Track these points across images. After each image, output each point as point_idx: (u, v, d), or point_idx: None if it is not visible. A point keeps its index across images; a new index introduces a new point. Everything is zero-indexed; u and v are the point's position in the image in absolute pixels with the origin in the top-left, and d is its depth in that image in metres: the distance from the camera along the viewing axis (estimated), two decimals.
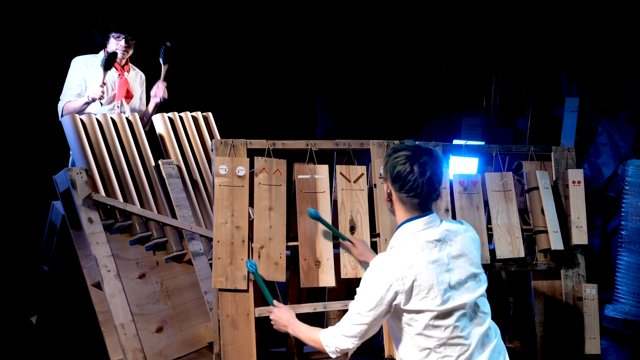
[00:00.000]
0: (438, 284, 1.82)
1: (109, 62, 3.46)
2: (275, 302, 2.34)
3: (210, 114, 3.82)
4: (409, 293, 1.82)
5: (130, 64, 3.83)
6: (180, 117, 3.62)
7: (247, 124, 5.59)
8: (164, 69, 3.75)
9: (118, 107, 3.73)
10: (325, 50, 6.73)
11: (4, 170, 4.60)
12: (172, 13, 5.50)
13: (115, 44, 3.63)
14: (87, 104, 3.48)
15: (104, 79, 3.48)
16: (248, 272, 2.53)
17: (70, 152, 3.74)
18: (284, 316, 2.26)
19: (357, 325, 1.90)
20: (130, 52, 3.73)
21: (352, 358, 3.20)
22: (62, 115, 3.57)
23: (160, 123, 3.52)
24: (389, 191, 1.93)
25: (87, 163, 3.07)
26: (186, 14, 5.66)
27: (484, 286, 1.95)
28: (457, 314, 1.84)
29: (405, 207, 1.91)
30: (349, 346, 1.94)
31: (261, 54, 6.34)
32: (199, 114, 3.74)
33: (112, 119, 3.30)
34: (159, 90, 3.73)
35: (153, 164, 3.33)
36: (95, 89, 3.45)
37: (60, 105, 3.60)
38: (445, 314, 1.83)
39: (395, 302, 1.84)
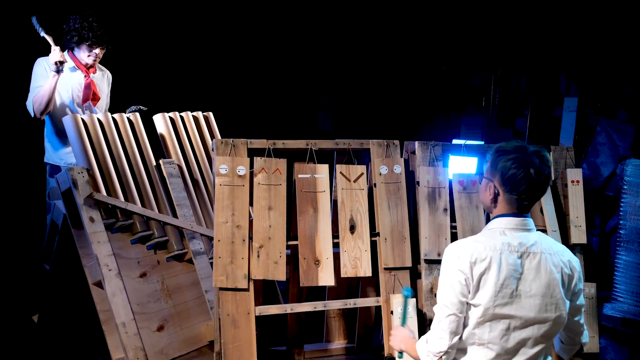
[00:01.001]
0: (502, 286, 1.79)
1: (44, 24, 3.43)
2: (406, 325, 2.44)
3: (211, 113, 3.82)
4: (477, 283, 1.81)
5: (97, 65, 3.79)
6: (181, 117, 3.63)
7: (248, 123, 5.61)
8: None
9: (86, 108, 3.70)
10: (326, 50, 6.75)
11: (6, 169, 4.62)
12: (174, 14, 5.52)
13: (88, 52, 3.58)
14: (54, 75, 3.44)
15: (53, 42, 3.43)
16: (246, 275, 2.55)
17: (45, 159, 3.74)
18: (401, 335, 2.26)
19: (444, 321, 1.86)
20: (100, 58, 3.69)
21: (351, 357, 3.22)
22: (33, 109, 3.55)
23: (161, 123, 3.53)
24: (496, 192, 1.90)
25: (89, 162, 3.08)
26: (187, 15, 5.68)
27: (555, 316, 1.85)
28: (507, 324, 1.81)
29: (509, 206, 1.89)
30: (442, 348, 1.87)
31: (262, 54, 6.35)
32: (199, 114, 3.75)
33: (113, 118, 3.31)
34: (137, 118, 3.69)
35: (154, 163, 3.34)
36: (52, 55, 3.40)
37: (28, 102, 3.57)
38: (496, 317, 1.81)
39: (467, 285, 1.83)
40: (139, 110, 3.59)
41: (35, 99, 3.52)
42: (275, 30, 6.33)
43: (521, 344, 1.83)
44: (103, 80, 3.86)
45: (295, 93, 6.61)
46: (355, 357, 3.20)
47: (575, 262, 1.94)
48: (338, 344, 3.26)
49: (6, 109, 4.61)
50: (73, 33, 3.51)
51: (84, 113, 3.68)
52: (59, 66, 3.41)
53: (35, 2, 4.43)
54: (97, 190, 3.03)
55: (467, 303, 1.84)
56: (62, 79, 3.58)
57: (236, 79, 6.18)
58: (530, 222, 1.91)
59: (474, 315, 1.83)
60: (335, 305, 2.76)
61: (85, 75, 3.67)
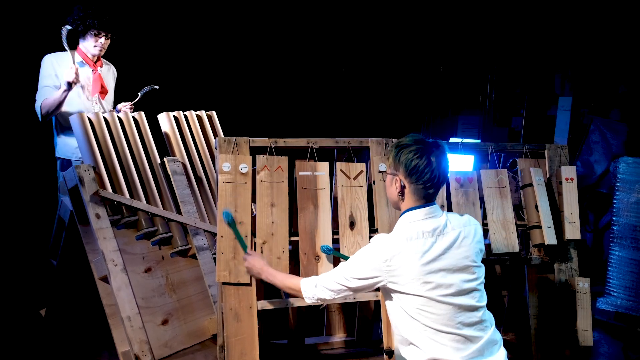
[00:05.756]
0: (426, 272, 1.86)
1: (71, 39, 3.45)
2: (249, 250, 2.47)
3: (214, 112, 3.87)
4: (395, 276, 1.88)
5: (102, 59, 3.81)
6: (185, 116, 3.68)
7: (250, 122, 5.64)
8: (139, 98, 3.75)
9: (95, 103, 3.73)
10: (326, 50, 6.78)
11: (13, 168, 4.65)
12: (177, 15, 5.55)
13: (94, 41, 3.59)
14: (65, 91, 3.45)
15: (73, 59, 3.46)
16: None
17: (56, 154, 3.78)
18: (257, 263, 2.36)
19: (340, 285, 2.03)
20: (105, 49, 3.70)
21: (351, 351, 3.27)
22: (41, 114, 3.56)
23: (165, 122, 3.58)
24: (402, 185, 1.95)
25: (95, 160, 3.12)
26: (191, 15, 5.71)
27: (479, 279, 1.97)
28: (446, 303, 1.87)
29: (415, 198, 1.95)
30: (327, 297, 2.09)
31: (263, 55, 6.39)
32: (203, 113, 3.79)
33: (119, 117, 3.36)
34: (123, 109, 3.72)
35: (159, 161, 3.38)
36: (67, 73, 3.41)
37: (37, 105, 3.57)
38: (433, 301, 1.87)
39: (380, 282, 1.93)
40: (151, 90, 3.63)
41: (43, 106, 3.53)
42: (276, 30, 6.36)
43: (466, 316, 1.91)
44: (109, 74, 3.88)
45: (296, 93, 6.64)
46: (354, 350, 3.24)
47: (478, 226, 2.05)
48: (338, 337, 3.31)
49: (16, 104, 4.64)
50: (78, 22, 3.52)
51: (93, 106, 3.73)
52: (72, 86, 3.45)
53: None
54: (103, 187, 3.07)
55: (396, 291, 1.92)
56: (69, 71, 3.58)
57: (238, 79, 6.21)
58: (437, 207, 1.99)
59: (413, 303, 1.89)
60: (335, 300, 2.78)
61: (93, 70, 3.71)
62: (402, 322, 1.95)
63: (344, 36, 6.77)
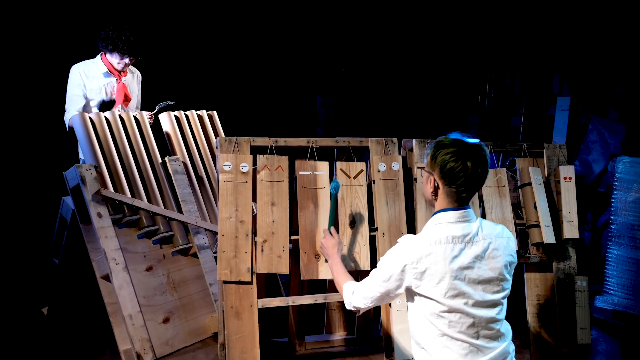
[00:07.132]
0: (451, 278, 1.82)
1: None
2: (332, 228, 2.42)
3: (215, 112, 3.89)
4: (420, 278, 1.85)
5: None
6: (186, 116, 3.70)
7: (251, 122, 5.67)
8: (156, 111, 3.75)
9: (118, 111, 3.74)
10: (326, 50, 6.80)
11: (16, 167, 4.67)
12: (178, 16, 5.57)
13: (119, 58, 3.62)
14: None
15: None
16: (253, 265, 2.62)
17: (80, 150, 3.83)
18: (331, 246, 2.32)
19: (372, 290, 1.96)
20: (129, 65, 3.74)
21: (351, 347, 3.29)
22: (69, 126, 3.58)
23: (166, 121, 3.60)
24: (435, 184, 1.91)
25: (96, 160, 3.14)
26: (191, 17, 5.73)
27: (504, 292, 1.93)
28: (466, 312, 1.85)
29: (448, 200, 1.91)
30: (361, 305, 2.01)
31: (264, 55, 6.41)
32: (204, 113, 3.81)
33: (120, 117, 3.38)
34: (143, 116, 3.74)
35: (160, 160, 3.40)
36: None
37: (66, 117, 3.60)
38: (451, 309, 1.84)
39: (405, 283, 1.88)
40: (167, 106, 3.65)
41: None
42: (277, 31, 6.38)
43: (482, 327, 1.89)
44: (133, 81, 3.90)
45: (297, 92, 6.66)
46: (354, 348, 3.25)
47: (512, 240, 1.99)
48: (338, 335, 3.33)
49: (16, 106, 4.67)
50: (109, 41, 3.54)
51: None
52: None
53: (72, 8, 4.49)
54: (105, 186, 3.10)
55: (418, 294, 1.89)
56: (96, 82, 3.65)
57: (239, 79, 6.23)
58: (470, 212, 1.94)
59: (431, 307, 1.87)
60: (336, 297, 2.81)
61: (117, 80, 3.72)
62: (418, 324, 1.94)
63: (344, 37, 6.79)
